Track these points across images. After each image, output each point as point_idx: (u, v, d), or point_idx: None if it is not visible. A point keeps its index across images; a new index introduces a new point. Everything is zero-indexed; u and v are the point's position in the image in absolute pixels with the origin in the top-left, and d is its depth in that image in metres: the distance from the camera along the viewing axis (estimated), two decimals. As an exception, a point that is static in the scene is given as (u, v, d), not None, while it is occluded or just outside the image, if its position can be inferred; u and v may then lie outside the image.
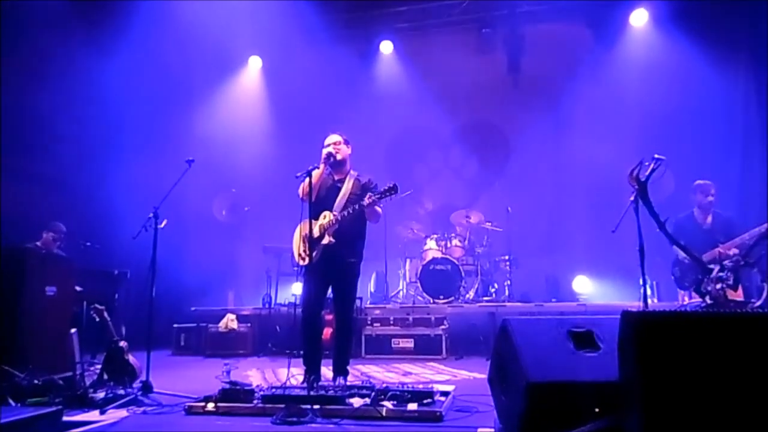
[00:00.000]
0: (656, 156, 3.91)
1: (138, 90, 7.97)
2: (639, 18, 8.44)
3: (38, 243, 6.28)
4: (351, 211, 4.28)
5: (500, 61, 9.03)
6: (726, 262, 4.16)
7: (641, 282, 4.03)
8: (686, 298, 5.47)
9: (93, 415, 3.71)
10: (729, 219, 5.37)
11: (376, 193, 4.28)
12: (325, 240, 4.29)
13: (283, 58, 9.25)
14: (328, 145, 4.51)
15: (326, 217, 4.35)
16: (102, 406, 3.81)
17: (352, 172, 4.57)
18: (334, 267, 4.34)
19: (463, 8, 8.95)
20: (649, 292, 5.28)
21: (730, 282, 4.06)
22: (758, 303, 4.37)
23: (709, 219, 5.44)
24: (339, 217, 4.29)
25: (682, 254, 5.15)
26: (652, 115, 7.91)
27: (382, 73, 9.43)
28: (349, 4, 8.64)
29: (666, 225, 3.90)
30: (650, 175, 3.91)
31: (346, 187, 4.45)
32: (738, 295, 4.28)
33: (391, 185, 4.23)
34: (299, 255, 4.40)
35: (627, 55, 8.32)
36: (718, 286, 4.06)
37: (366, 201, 4.22)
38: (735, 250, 4.89)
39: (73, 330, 4.69)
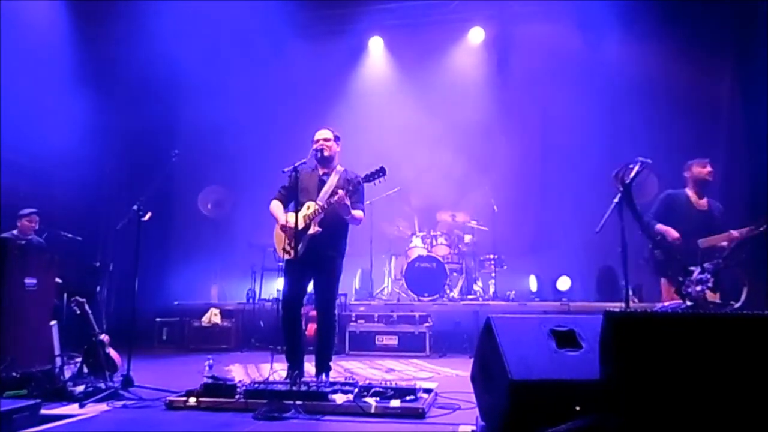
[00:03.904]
0: (641, 159, 3.96)
1: (125, 80, 7.88)
2: (627, 20, 8.49)
3: (15, 232, 6.19)
4: (336, 200, 4.21)
5: (489, 61, 9.07)
6: (706, 265, 4.22)
7: (623, 282, 4.07)
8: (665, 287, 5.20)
9: (72, 408, 3.67)
10: (722, 209, 5.06)
11: (361, 177, 4.24)
12: (311, 230, 4.24)
13: (273, 52, 9.18)
14: (318, 141, 4.49)
15: (310, 208, 4.29)
16: (81, 399, 3.76)
17: (338, 167, 4.55)
18: (316, 261, 4.30)
19: (453, 7, 8.96)
20: (630, 292, 5.31)
21: (710, 284, 4.12)
22: (737, 305, 4.44)
23: (705, 202, 5.06)
24: (325, 206, 4.24)
25: (674, 233, 4.77)
26: (638, 116, 7.98)
27: (371, 70, 9.42)
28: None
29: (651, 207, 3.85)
30: (635, 178, 3.95)
31: (331, 181, 4.41)
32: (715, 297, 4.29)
33: (378, 167, 4.20)
34: (283, 249, 4.35)
35: (614, 57, 8.39)
36: (699, 287, 4.12)
37: (338, 196, 4.15)
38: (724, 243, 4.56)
39: (53, 322, 4.62)
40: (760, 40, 6.92)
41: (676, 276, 4.69)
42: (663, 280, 5.06)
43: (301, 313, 4.51)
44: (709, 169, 5.03)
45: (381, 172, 4.21)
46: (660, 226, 4.87)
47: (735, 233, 4.55)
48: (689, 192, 5.07)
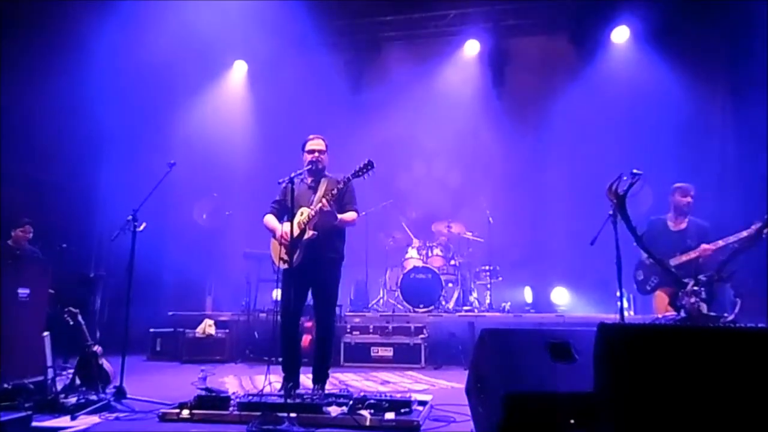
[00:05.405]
0: (634, 171, 3.98)
1: (121, 91, 7.88)
2: (620, 35, 8.62)
3: (9, 242, 6.16)
4: (329, 198, 4.22)
5: (485, 74, 9.13)
6: (700, 277, 4.22)
7: (618, 294, 4.09)
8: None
9: (64, 420, 3.63)
10: (705, 228, 5.25)
11: (350, 174, 4.23)
12: (308, 234, 4.23)
13: (269, 64, 9.23)
14: (312, 152, 4.50)
15: (303, 213, 4.29)
16: (73, 411, 3.73)
17: (327, 173, 4.56)
18: (315, 266, 4.29)
19: (449, 20, 9.04)
20: (625, 304, 5.34)
21: (704, 296, 4.12)
22: (731, 317, 4.45)
23: (684, 224, 5.31)
24: (317, 209, 4.24)
25: (644, 255, 5.07)
26: (631, 129, 8.05)
27: (368, 81, 9.46)
28: (337, 12, 8.66)
29: (638, 230, 3.96)
30: (628, 190, 3.96)
31: (321, 189, 4.42)
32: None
33: (366, 161, 4.18)
34: (281, 259, 4.32)
35: (608, 71, 8.47)
36: (693, 300, 4.13)
37: (321, 204, 4.16)
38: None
39: (45, 333, 4.59)
40: (751, 54, 7.00)
41: (653, 290, 5.15)
42: (655, 295, 5.21)
43: (300, 324, 4.49)
44: (688, 199, 5.31)
45: (369, 165, 4.18)
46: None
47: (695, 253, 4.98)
48: (669, 216, 5.40)
